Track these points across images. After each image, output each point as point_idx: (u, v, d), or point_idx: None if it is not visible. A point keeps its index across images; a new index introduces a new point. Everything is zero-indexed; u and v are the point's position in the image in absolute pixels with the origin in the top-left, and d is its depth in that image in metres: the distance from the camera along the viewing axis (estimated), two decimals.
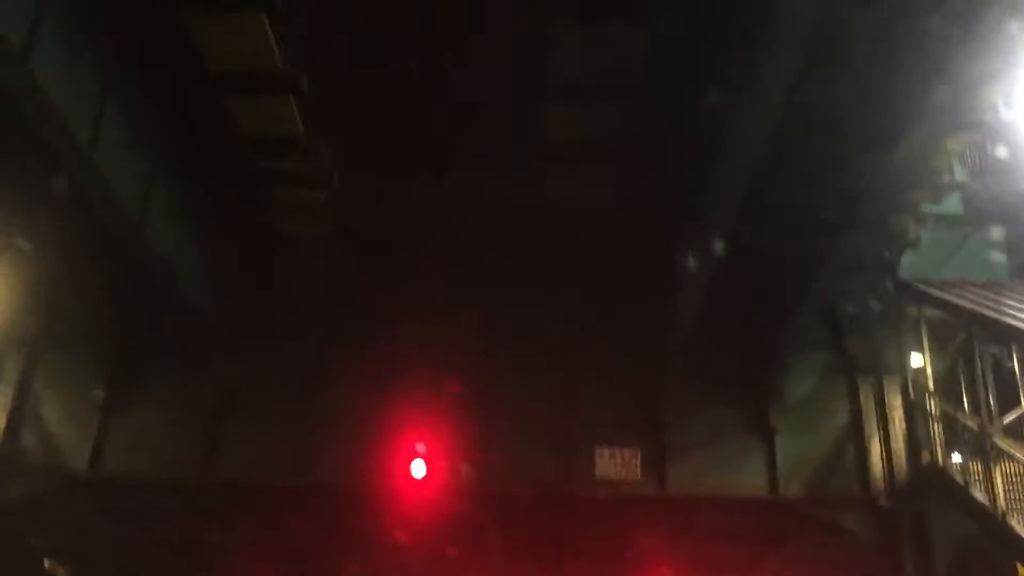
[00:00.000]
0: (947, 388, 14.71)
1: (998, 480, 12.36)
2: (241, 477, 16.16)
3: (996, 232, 15.70)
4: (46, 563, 17.53)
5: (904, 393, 15.66)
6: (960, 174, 14.92)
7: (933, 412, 14.74)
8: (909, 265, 14.93)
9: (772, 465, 15.88)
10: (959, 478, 13.67)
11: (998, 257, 15.72)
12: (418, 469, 14.99)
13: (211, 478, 16.12)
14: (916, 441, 15.32)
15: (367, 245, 15.48)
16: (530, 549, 18.48)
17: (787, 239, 13.05)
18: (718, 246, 12.61)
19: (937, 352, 14.89)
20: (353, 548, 18.91)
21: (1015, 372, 12.75)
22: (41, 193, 11.71)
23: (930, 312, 14.80)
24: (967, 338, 13.84)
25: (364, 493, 15.58)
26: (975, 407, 13.50)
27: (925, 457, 14.98)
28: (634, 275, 14.82)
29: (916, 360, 15.31)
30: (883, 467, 15.60)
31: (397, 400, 15.16)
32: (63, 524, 17.42)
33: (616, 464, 15.87)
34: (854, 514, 15.64)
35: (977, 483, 13.02)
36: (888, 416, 15.73)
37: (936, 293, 14.39)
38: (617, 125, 12.91)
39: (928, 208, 14.08)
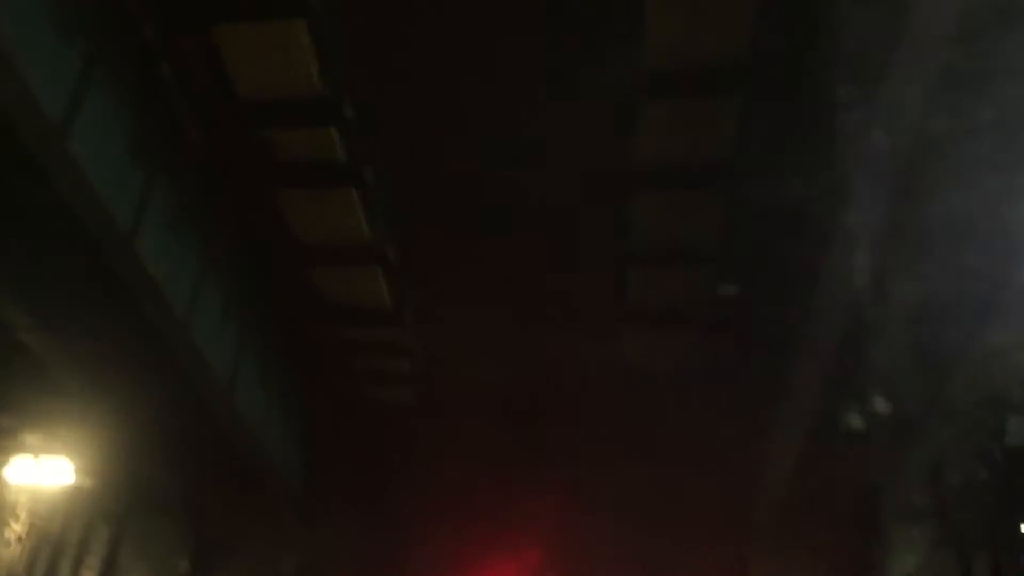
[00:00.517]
0: None
1: None
2: None
3: None
4: None
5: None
6: None
7: None
8: (1019, 431, 14.16)
9: None
10: None
11: None
12: None
13: None
14: None
15: (449, 411, 15.49)
16: None
17: (882, 403, 12.59)
18: (806, 415, 12.23)
19: None
20: None
21: None
22: (134, 365, 12.12)
23: None
24: None
25: None
26: None
27: None
28: (721, 439, 14.42)
29: None
30: None
31: (481, 570, 14.71)
32: None
33: None
34: None
35: None
36: None
37: None
38: (697, 289, 12.91)
39: None
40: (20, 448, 14.16)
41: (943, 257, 10.25)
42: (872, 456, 13.88)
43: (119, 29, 9.66)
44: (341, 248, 12.39)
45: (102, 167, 9.32)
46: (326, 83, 10.15)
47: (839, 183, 9.81)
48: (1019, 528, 14.05)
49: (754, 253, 12.01)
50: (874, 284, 10.58)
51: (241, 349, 13.70)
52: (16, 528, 14.49)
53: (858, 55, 9.05)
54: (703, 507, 15.50)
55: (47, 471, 14.47)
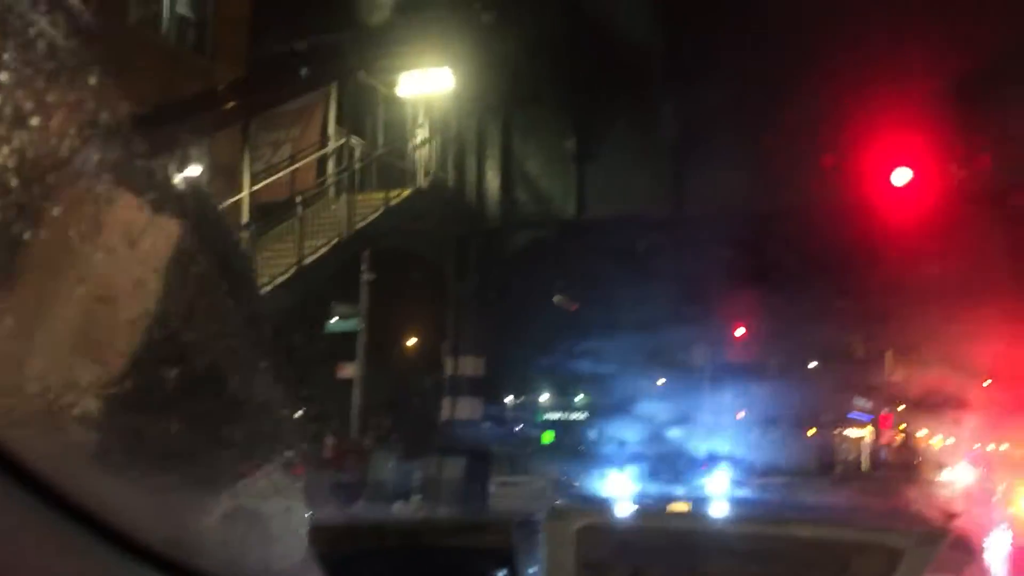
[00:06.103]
0: None
1: None
2: (709, 208, 16.31)
3: None
4: (556, 299, 19.73)
5: None
6: None
7: None
8: None
9: None
10: None
11: None
12: (900, 177, 13.52)
13: (680, 212, 16.53)
14: None
15: None
16: None
17: None
18: None
19: None
20: (832, 266, 18.62)
21: None
22: None
23: None
24: None
25: (838, 210, 14.82)
26: None
27: None
28: None
29: None
30: None
31: (867, 109, 13.44)
32: (562, 264, 19.29)
33: None
34: None
35: None
36: None
37: None
38: None
39: None
40: (408, 65, 15.38)
41: None
42: None
43: None
44: None
45: None
46: None
47: None
48: None
49: None
50: None
51: None
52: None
53: None
54: None
55: (433, 80, 15.69)
